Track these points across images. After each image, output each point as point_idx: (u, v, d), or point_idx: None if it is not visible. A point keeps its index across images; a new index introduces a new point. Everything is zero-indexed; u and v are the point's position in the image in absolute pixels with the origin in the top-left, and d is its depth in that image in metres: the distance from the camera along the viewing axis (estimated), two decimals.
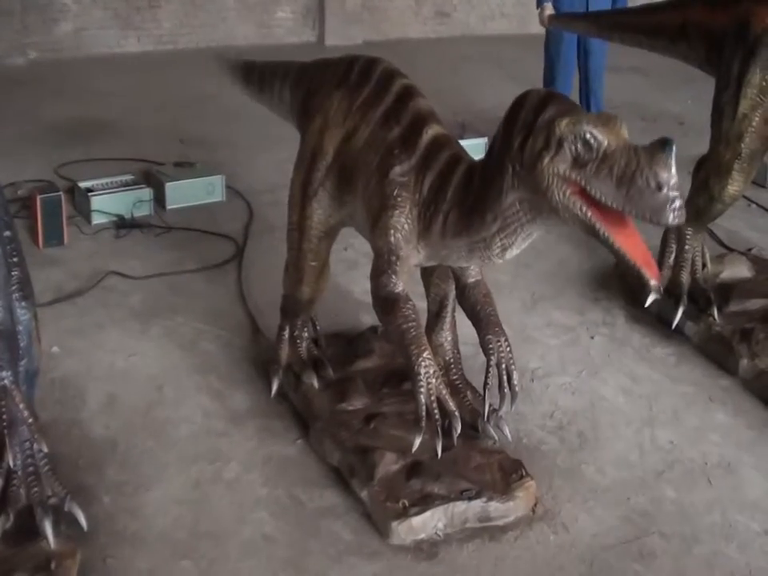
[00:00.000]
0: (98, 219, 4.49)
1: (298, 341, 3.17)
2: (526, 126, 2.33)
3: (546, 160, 2.26)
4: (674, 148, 2.12)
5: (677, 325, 3.63)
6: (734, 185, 3.49)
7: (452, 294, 2.97)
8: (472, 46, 8.55)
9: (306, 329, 3.19)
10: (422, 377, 2.59)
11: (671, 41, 3.78)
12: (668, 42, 3.81)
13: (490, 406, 2.85)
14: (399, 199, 2.65)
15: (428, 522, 2.60)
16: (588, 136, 2.20)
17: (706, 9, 3.61)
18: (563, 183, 2.25)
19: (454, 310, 3.02)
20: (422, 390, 2.59)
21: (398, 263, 2.66)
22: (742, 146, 3.41)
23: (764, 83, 3.32)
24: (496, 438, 2.88)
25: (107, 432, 2.99)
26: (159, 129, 5.83)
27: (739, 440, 3.10)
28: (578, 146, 2.21)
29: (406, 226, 2.65)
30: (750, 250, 4.37)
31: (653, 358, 3.56)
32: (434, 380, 2.60)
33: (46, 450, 2.46)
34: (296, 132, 3.18)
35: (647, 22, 3.92)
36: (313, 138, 2.93)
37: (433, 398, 2.60)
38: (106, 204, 4.51)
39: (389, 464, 2.72)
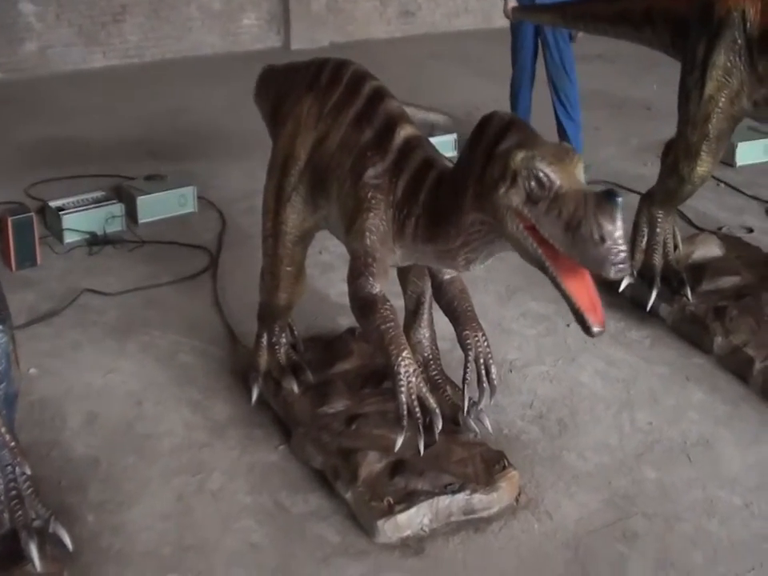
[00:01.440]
0: (70, 238, 4.48)
1: (276, 347, 3.18)
2: (486, 152, 2.34)
3: (502, 190, 2.26)
4: (620, 201, 2.09)
5: (651, 307, 3.66)
6: (703, 166, 3.51)
7: (428, 291, 2.98)
8: (438, 43, 8.56)
9: (283, 334, 3.20)
10: (402, 376, 2.60)
11: (636, 27, 3.79)
12: (633, 29, 3.82)
13: (470, 399, 2.86)
14: (374, 201, 2.65)
15: (413, 519, 2.62)
16: (541, 174, 2.19)
17: None
18: (516, 217, 2.26)
19: (431, 307, 3.03)
20: (403, 389, 2.60)
21: (375, 265, 2.66)
22: (710, 127, 3.42)
23: (728, 64, 3.34)
24: (477, 430, 2.89)
25: (88, 451, 2.99)
26: (129, 143, 5.81)
27: (716, 416, 3.13)
28: (532, 182, 2.20)
29: (381, 227, 2.65)
30: (720, 228, 4.42)
31: (629, 341, 3.58)
32: (413, 379, 2.61)
33: (28, 472, 2.45)
34: (266, 139, 3.18)
35: (612, 10, 3.93)
36: (285, 142, 2.93)
37: (413, 396, 2.62)
38: (78, 222, 4.50)
39: (372, 463, 2.73)
